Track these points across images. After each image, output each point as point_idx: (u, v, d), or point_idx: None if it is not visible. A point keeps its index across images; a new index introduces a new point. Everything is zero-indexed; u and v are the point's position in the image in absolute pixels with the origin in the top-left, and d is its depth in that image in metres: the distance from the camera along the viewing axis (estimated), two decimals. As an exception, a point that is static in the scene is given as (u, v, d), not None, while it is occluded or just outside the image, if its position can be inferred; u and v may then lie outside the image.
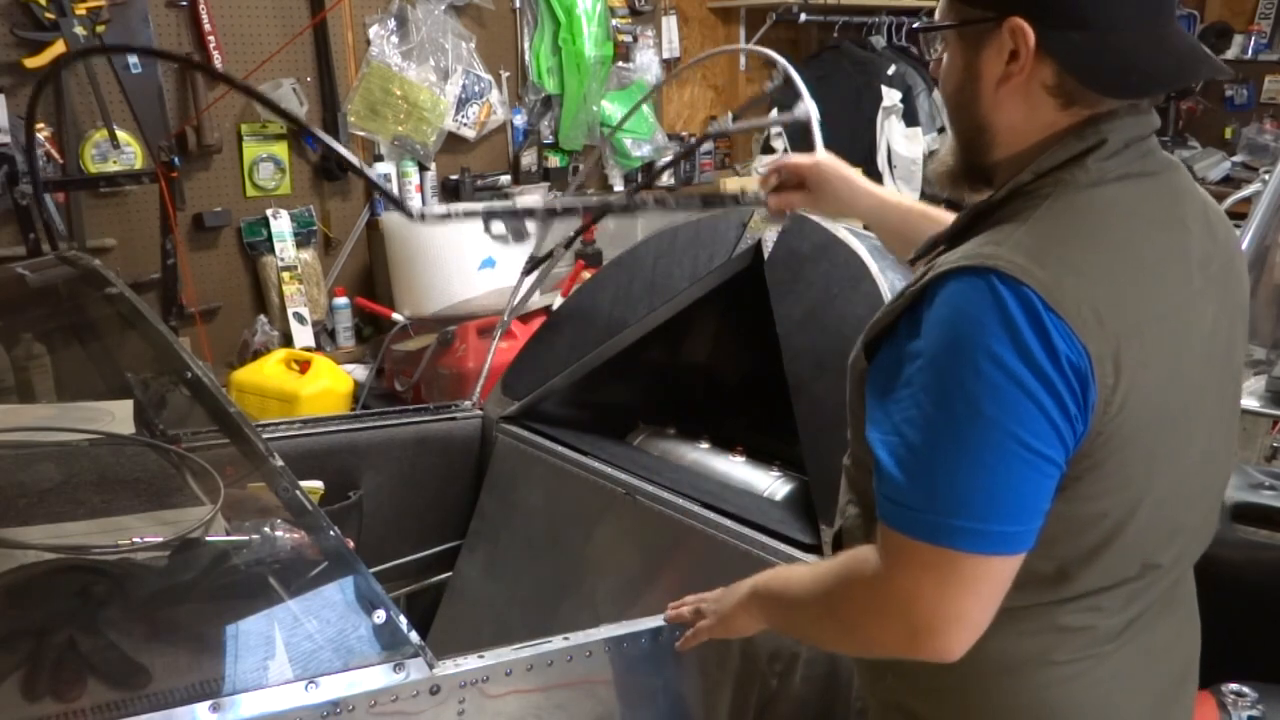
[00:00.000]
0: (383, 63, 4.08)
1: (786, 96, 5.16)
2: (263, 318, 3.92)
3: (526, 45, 4.47)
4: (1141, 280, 1.04)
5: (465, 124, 4.31)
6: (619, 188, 4.85)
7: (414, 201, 4.22)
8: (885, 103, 4.83)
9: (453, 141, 4.33)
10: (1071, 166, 1.05)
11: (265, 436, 1.99)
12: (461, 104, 4.28)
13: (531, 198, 4.42)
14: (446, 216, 1.95)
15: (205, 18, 3.65)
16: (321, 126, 4.02)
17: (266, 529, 1.52)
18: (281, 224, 3.95)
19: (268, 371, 3.52)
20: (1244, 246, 2.50)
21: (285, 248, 3.95)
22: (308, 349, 3.87)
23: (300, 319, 3.95)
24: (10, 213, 3.27)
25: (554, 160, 4.66)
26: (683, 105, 5.20)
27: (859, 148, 4.83)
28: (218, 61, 3.70)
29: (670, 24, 4.96)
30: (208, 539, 1.51)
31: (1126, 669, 1.15)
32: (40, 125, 3.41)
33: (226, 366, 3.79)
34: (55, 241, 3.04)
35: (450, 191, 4.36)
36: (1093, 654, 1.13)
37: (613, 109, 4.70)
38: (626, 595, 2.08)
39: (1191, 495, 1.15)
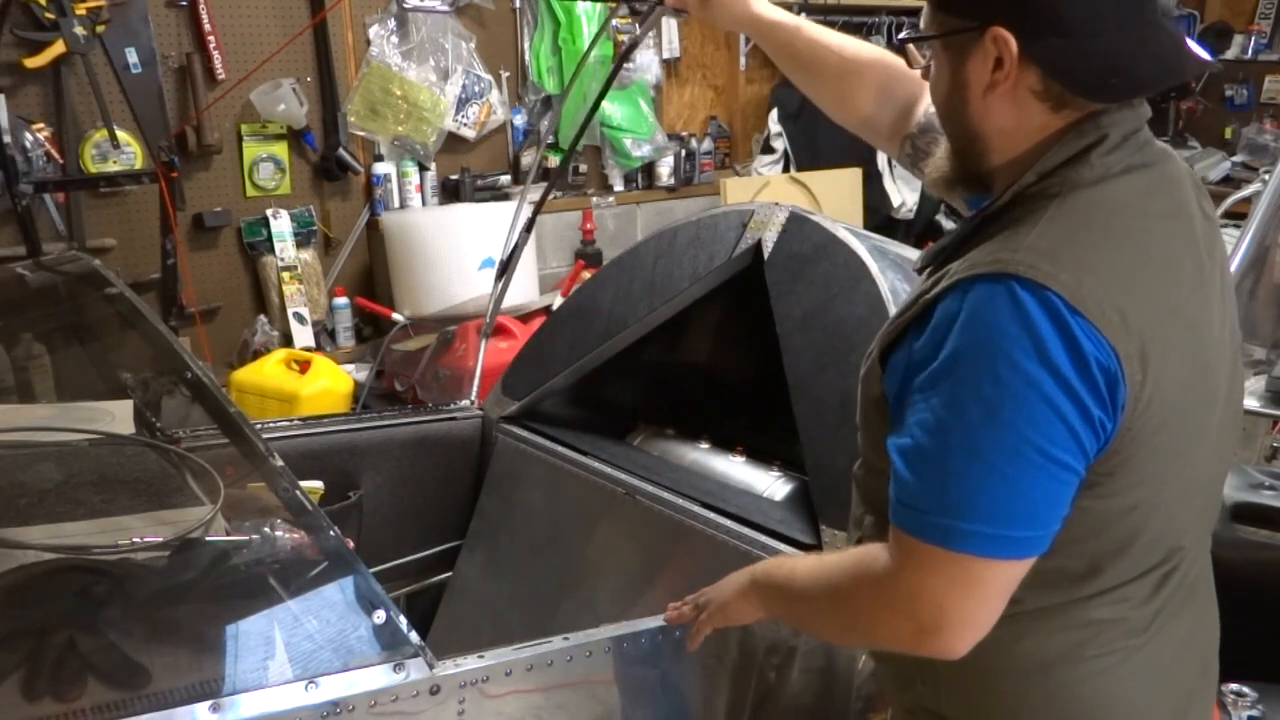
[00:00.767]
0: (383, 63, 4.08)
1: (789, 95, 5.16)
2: (263, 318, 3.92)
3: (526, 45, 4.47)
4: (1157, 273, 1.04)
5: (465, 124, 4.31)
6: (619, 188, 4.85)
7: (414, 201, 4.21)
8: (885, 103, 4.83)
9: (453, 141, 4.33)
10: (1075, 164, 1.05)
11: (265, 436, 1.99)
12: (461, 104, 4.28)
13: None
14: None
15: (205, 18, 3.66)
16: (321, 126, 4.02)
17: (266, 529, 1.52)
18: (281, 224, 3.95)
19: (268, 371, 3.52)
20: (1244, 246, 2.50)
21: (285, 248, 3.95)
22: (308, 349, 3.87)
23: (300, 319, 3.95)
24: (10, 213, 3.28)
25: (554, 160, 4.65)
26: (683, 105, 5.20)
27: (859, 148, 4.80)
28: (218, 61, 3.71)
29: (670, 24, 4.96)
30: (208, 539, 1.51)
31: (1154, 662, 1.15)
32: (40, 125, 3.41)
33: (226, 366, 3.80)
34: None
35: (450, 192, 4.36)
36: (1122, 647, 1.13)
37: (613, 109, 4.69)
38: (626, 595, 2.08)
39: (1207, 482, 1.16)
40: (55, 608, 1.38)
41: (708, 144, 5.17)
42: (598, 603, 2.13)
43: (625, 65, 4.77)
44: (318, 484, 2.14)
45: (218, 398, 1.84)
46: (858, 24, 5.21)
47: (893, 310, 1.39)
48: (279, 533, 1.52)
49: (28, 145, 3.36)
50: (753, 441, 2.33)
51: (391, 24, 4.11)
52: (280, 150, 3.95)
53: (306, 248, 4.04)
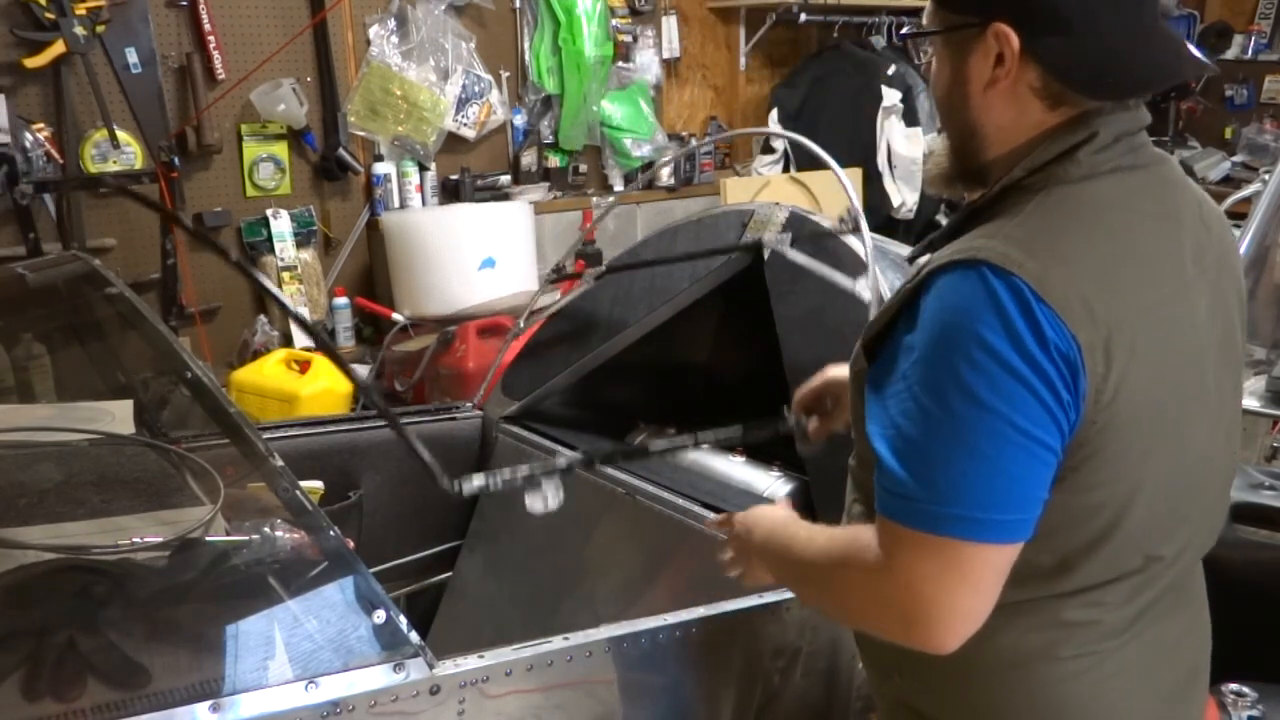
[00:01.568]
0: (383, 63, 4.08)
1: (789, 95, 5.16)
2: (263, 318, 3.92)
3: (526, 45, 4.47)
4: (1132, 271, 1.05)
5: (465, 124, 4.31)
6: (619, 187, 4.85)
7: (414, 201, 4.22)
8: (885, 103, 4.83)
9: (453, 141, 4.33)
10: (1063, 161, 1.07)
11: (265, 437, 1.99)
12: (461, 104, 4.28)
13: (530, 196, 4.43)
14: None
15: (205, 18, 3.66)
16: (321, 126, 4.02)
17: (266, 529, 1.52)
18: (281, 224, 3.95)
19: (268, 371, 3.52)
20: (1244, 247, 2.50)
21: (285, 248, 3.95)
22: (308, 349, 3.86)
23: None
24: (10, 213, 3.28)
25: (554, 160, 4.66)
26: (683, 105, 5.20)
27: (859, 148, 4.83)
28: (218, 61, 3.71)
29: (670, 24, 4.96)
30: (208, 539, 1.51)
31: (1133, 665, 1.15)
32: (40, 125, 3.41)
33: (226, 366, 3.79)
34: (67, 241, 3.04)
35: (450, 192, 4.36)
36: (1098, 649, 1.13)
37: (613, 109, 4.70)
38: (626, 595, 2.09)
39: (1194, 487, 1.15)
40: (55, 608, 1.38)
41: (707, 143, 5.16)
42: (598, 603, 2.14)
43: (625, 65, 4.77)
44: (318, 484, 2.14)
45: (218, 398, 1.84)
46: (858, 24, 5.21)
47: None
48: (279, 533, 1.52)
49: (28, 145, 3.35)
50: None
51: (391, 24, 4.11)
52: (280, 150, 3.94)
53: (306, 248, 4.04)
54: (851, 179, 2.04)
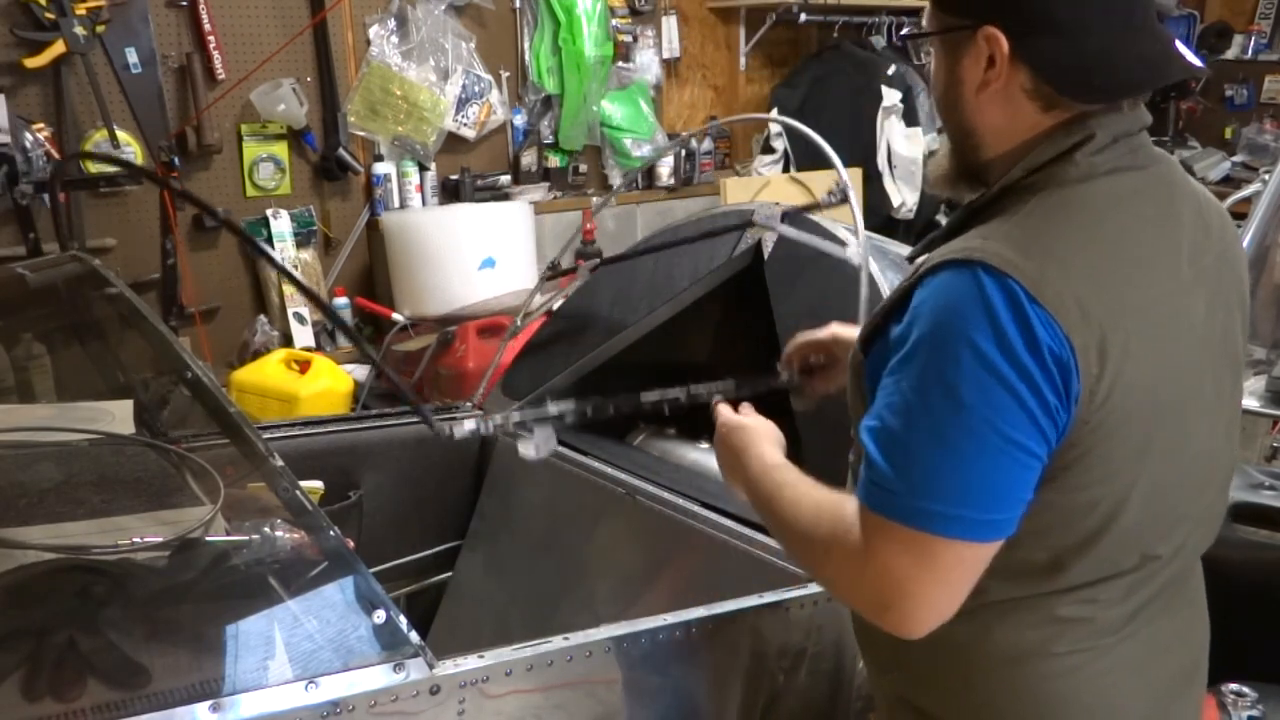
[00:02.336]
0: (383, 63, 4.08)
1: (789, 95, 5.16)
2: (263, 318, 3.92)
3: (526, 45, 4.47)
4: (1128, 272, 1.05)
5: (465, 124, 4.31)
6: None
7: (414, 201, 4.22)
8: (885, 103, 4.84)
9: (453, 141, 4.33)
10: (1061, 162, 1.07)
11: (265, 437, 1.99)
12: (461, 104, 4.28)
13: (530, 195, 4.43)
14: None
15: (205, 18, 3.66)
16: (321, 126, 4.02)
17: (266, 529, 1.52)
18: (281, 224, 3.95)
19: (268, 371, 3.52)
20: (1244, 246, 2.50)
21: (285, 248, 3.95)
22: (308, 349, 3.87)
23: (300, 319, 3.95)
24: (10, 213, 3.28)
25: (554, 160, 4.66)
26: (683, 105, 5.20)
27: (859, 148, 4.83)
28: (218, 61, 3.71)
29: (670, 24, 4.96)
30: (208, 539, 1.51)
31: (1128, 662, 1.16)
32: (40, 125, 3.41)
33: (226, 366, 3.79)
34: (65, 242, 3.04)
35: (450, 192, 4.36)
36: (1092, 646, 1.14)
37: (613, 109, 4.70)
38: (626, 595, 2.09)
39: (1192, 487, 1.15)
40: (55, 608, 1.38)
41: (708, 144, 5.17)
42: (598, 603, 2.13)
43: (625, 65, 4.77)
44: (318, 484, 2.14)
45: (218, 398, 1.84)
46: (858, 24, 5.21)
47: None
48: (279, 533, 1.52)
49: (28, 145, 3.35)
50: (753, 441, 2.33)
51: (391, 24, 4.11)
52: (280, 150, 3.94)
53: (306, 248, 4.04)
54: (851, 179, 2.04)
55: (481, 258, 3.93)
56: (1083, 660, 1.14)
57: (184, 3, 3.63)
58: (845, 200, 1.99)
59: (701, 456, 2.27)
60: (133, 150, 3.57)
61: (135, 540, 1.48)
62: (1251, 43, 5.87)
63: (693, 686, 1.57)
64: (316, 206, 4.08)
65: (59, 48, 3.29)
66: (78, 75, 3.43)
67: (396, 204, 4.19)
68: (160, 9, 3.58)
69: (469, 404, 2.60)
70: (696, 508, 1.97)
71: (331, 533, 1.50)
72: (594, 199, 4.71)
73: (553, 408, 1.58)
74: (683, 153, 5.03)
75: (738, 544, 1.87)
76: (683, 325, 2.42)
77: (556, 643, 1.43)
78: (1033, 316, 0.98)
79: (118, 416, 1.85)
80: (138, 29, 3.46)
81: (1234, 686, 1.66)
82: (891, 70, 4.88)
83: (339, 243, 4.18)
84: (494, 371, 2.61)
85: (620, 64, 4.74)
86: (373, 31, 4.08)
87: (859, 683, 1.68)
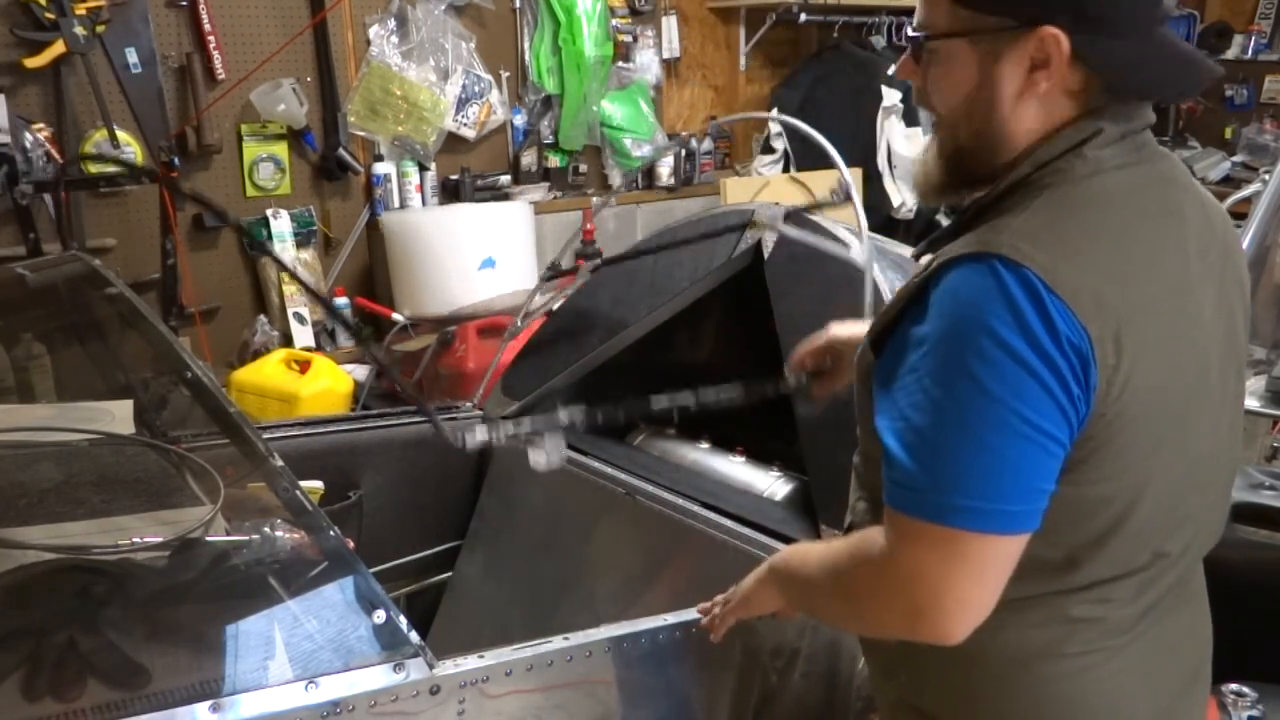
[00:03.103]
0: (383, 63, 4.08)
1: (789, 95, 5.15)
2: (263, 318, 3.92)
3: (526, 45, 4.47)
4: (1139, 266, 1.05)
5: (465, 124, 4.31)
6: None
7: (414, 201, 4.22)
8: (885, 103, 4.83)
9: (453, 141, 4.33)
10: (1070, 157, 1.06)
11: (265, 437, 1.99)
12: (461, 104, 4.28)
13: (530, 195, 4.43)
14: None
15: (205, 18, 3.66)
16: (321, 126, 4.02)
17: (266, 529, 1.52)
18: (281, 224, 3.95)
19: (268, 371, 3.52)
20: (1244, 246, 2.50)
21: (285, 248, 3.95)
22: (308, 349, 3.87)
23: (300, 319, 3.95)
24: (10, 213, 3.28)
25: (554, 160, 4.66)
26: (683, 105, 5.20)
27: (859, 148, 4.83)
28: (218, 61, 3.71)
29: (670, 24, 4.96)
30: (208, 539, 1.51)
31: (1137, 663, 1.15)
32: (40, 125, 3.41)
33: (226, 366, 3.79)
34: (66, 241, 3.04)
35: (450, 192, 4.36)
36: (1103, 647, 1.13)
37: (613, 109, 4.70)
38: (626, 595, 2.09)
39: (1198, 484, 1.15)
40: (55, 608, 1.38)
41: (708, 144, 5.17)
42: (598, 603, 2.13)
43: (625, 65, 4.78)
44: (318, 484, 2.14)
45: (218, 398, 1.84)
46: (858, 24, 5.21)
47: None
48: (279, 533, 1.52)
49: (28, 145, 3.35)
50: (753, 441, 2.33)
51: (391, 24, 4.11)
52: (280, 150, 3.94)
53: (306, 248, 4.04)
54: (852, 179, 2.04)
55: (481, 258, 3.93)
56: (1093, 661, 1.13)
57: (184, 3, 3.63)
58: (849, 199, 1.99)
59: (701, 456, 2.27)
60: (133, 150, 3.56)
61: (135, 540, 1.48)
62: (1251, 43, 5.86)
63: (692, 687, 1.57)
64: (316, 206, 4.08)
65: (59, 48, 3.29)
66: (78, 75, 3.43)
67: (396, 204, 4.19)
68: (160, 9, 3.58)
69: (469, 404, 2.60)
70: (696, 508, 1.97)
71: (331, 533, 1.50)
72: (594, 199, 4.71)
73: (563, 415, 1.57)
74: (683, 153, 5.03)
75: (738, 544, 1.87)
76: (683, 325, 2.42)
77: (556, 643, 1.44)
78: (1051, 306, 0.97)
79: (118, 416, 1.85)
80: (138, 29, 3.46)
81: (1234, 686, 1.66)
82: (891, 70, 4.87)
83: (339, 243, 4.18)
84: (494, 372, 2.61)
85: (620, 64, 4.74)
86: (373, 31, 4.07)
87: (859, 683, 1.68)
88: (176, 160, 3.49)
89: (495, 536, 2.47)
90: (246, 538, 1.52)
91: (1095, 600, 1.12)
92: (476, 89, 4.31)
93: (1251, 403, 2.35)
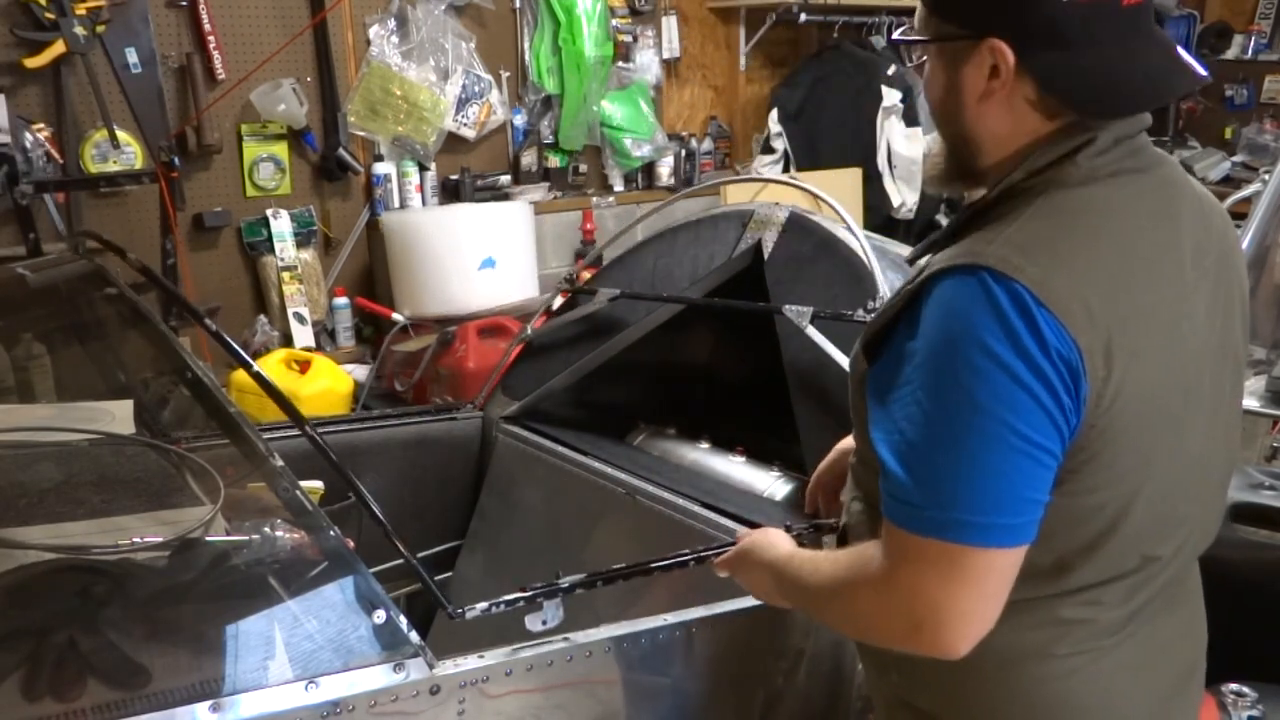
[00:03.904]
0: (383, 63, 4.08)
1: (789, 95, 5.15)
2: (263, 318, 3.92)
3: (526, 45, 4.47)
4: (1132, 275, 1.05)
5: (465, 124, 4.31)
6: (619, 187, 4.85)
7: (414, 201, 4.21)
8: (885, 103, 4.83)
9: (453, 141, 4.32)
10: (1063, 164, 1.07)
11: (265, 437, 1.99)
12: (461, 104, 4.27)
13: (530, 195, 4.42)
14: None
15: (205, 18, 3.65)
16: (321, 126, 4.02)
17: (266, 529, 1.52)
18: (281, 224, 3.95)
19: (268, 371, 3.51)
20: (1244, 246, 2.50)
21: (285, 248, 3.95)
22: (308, 349, 3.86)
23: (300, 319, 3.95)
24: (10, 213, 3.27)
25: (554, 160, 4.66)
26: (683, 105, 5.20)
27: (859, 148, 4.83)
28: (218, 61, 3.71)
29: (670, 24, 4.96)
30: (208, 539, 1.51)
31: (1128, 663, 1.16)
32: (40, 125, 3.41)
33: (226, 367, 3.79)
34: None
35: (450, 192, 4.36)
36: (1093, 647, 1.14)
37: (613, 109, 4.69)
38: (626, 595, 2.08)
39: (1191, 488, 1.15)
40: (55, 608, 1.38)
41: (708, 144, 5.17)
42: (598, 603, 2.13)
43: (625, 65, 4.77)
44: (318, 484, 2.13)
45: (218, 398, 1.84)
46: (858, 24, 5.21)
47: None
48: (279, 533, 1.52)
49: (28, 145, 3.35)
50: (753, 441, 2.33)
51: (391, 24, 4.11)
52: (280, 150, 3.94)
53: (306, 248, 4.04)
54: (851, 179, 2.04)
55: (481, 258, 3.93)
56: (1083, 662, 1.14)
57: (184, 3, 3.63)
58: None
59: (701, 456, 2.27)
60: (133, 150, 3.56)
61: (135, 540, 1.48)
62: (1251, 43, 5.86)
63: (692, 686, 1.57)
64: (316, 206, 4.08)
65: (59, 48, 3.28)
66: (78, 75, 3.42)
67: (396, 204, 4.19)
68: (160, 9, 3.58)
69: (470, 405, 2.60)
70: (696, 508, 1.97)
71: (331, 533, 1.50)
72: (594, 199, 4.71)
73: (564, 581, 1.57)
74: (683, 153, 5.03)
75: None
76: (683, 325, 2.42)
77: (556, 643, 1.44)
78: (1040, 320, 0.98)
79: (118, 416, 1.85)
80: (138, 29, 3.45)
81: (1234, 686, 1.66)
82: (891, 70, 4.88)
83: (339, 243, 4.18)
84: (496, 375, 2.61)
85: (620, 64, 4.74)
86: (373, 31, 4.07)
87: (858, 683, 1.68)
88: (176, 160, 3.49)
89: (495, 536, 2.47)
90: (246, 538, 1.52)
91: (1085, 603, 1.13)
92: (476, 89, 4.31)
93: (1251, 403, 2.35)
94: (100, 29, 3.33)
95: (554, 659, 1.42)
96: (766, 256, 2.14)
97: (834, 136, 4.92)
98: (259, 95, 3.79)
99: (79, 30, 3.28)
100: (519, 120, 4.51)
